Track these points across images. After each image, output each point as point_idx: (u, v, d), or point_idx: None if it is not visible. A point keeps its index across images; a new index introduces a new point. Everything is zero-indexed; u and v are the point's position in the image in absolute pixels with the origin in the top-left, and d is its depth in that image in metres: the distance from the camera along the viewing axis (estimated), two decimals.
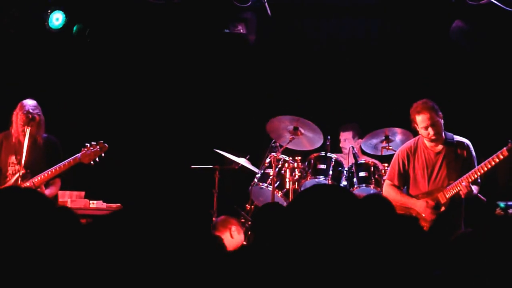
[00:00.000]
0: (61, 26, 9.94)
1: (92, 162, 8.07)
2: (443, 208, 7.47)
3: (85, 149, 8.05)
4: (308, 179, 9.01)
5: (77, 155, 8.04)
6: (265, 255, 4.08)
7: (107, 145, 8.13)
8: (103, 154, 8.14)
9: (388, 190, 7.73)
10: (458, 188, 7.35)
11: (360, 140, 9.49)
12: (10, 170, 8.23)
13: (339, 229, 2.95)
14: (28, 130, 7.99)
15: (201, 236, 2.93)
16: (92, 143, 8.06)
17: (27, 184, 7.93)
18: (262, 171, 9.27)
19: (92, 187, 9.19)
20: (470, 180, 7.32)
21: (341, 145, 9.78)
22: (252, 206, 9.24)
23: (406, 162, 7.72)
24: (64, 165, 8.01)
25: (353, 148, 9.18)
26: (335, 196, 3.05)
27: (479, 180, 7.51)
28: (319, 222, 2.96)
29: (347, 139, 9.66)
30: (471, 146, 7.64)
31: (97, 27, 10.14)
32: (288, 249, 3.01)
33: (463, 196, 7.38)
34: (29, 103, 8.16)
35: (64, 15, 9.92)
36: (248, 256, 4.18)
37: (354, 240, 2.95)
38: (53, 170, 8.02)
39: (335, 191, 3.10)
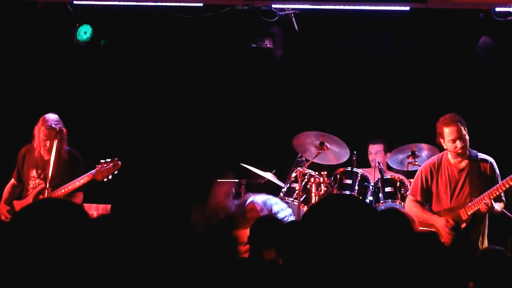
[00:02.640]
0: (88, 39, 10.04)
1: (105, 180, 8.07)
2: (464, 225, 7.41)
3: (100, 166, 8.04)
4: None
5: (91, 171, 8.05)
6: (264, 268, 4.09)
7: (120, 163, 8.11)
8: (116, 172, 8.12)
9: (411, 206, 7.69)
10: (480, 204, 7.30)
11: (388, 154, 9.48)
12: (32, 184, 8.25)
13: (353, 239, 2.95)
14: (55, 144, 8.02)
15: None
16: (107, 160, 8.05)
17: None
18: (288, 186, 9.26)
19: (117, 201, 9.24)
20: (492, 196, 7.26)
21: (371, 158, 9.74)
22: None
23: (429, 178, 7.67)
24: (80, 182, 8.02)
25: (379, 163, 9.16)
26: (349, 206, 3.05)
27: (503, 197, 7.47)
28: (333, 232, 2.95)
29: (378, 152, 9.64)
30: (495, 164, 7.59)
31: (123, 40, 10.20)
32: (302, 260, 3.00)
33: (484, 212, 7.32)
34: (52, 117, 8.18)
35: (91, 29, 10.02)
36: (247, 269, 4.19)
37: (369, 252, 2.95)
38: (70, 187, 8.03)
39: (350, 201, 3.10)
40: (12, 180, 8.46)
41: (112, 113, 10.82)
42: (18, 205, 8.19)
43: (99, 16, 10.16)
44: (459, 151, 7.47)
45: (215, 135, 10.84)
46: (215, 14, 9.92)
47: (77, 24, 10.00)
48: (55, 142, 8.02)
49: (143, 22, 10.32)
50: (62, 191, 8.00)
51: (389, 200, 8.77)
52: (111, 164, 8.06)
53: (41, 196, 8.04)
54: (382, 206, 8.77)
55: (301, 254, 2.95)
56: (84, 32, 10.04)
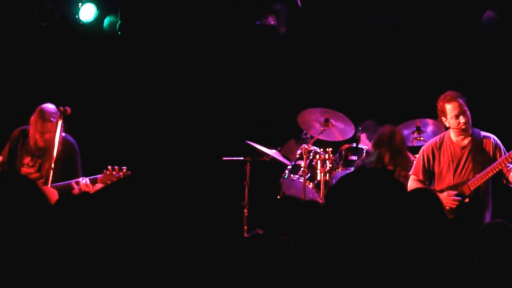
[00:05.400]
0: (92, 19, 10.04)
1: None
2: (467, 200, 7.41)
3: (108, 172, 7.85)
4: (339, 170, 9.03)
5: (97, 176, 7.83)
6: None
7: (130, 173, 7.92)
8: None
9: (413, 185, 7.69)
10: (484, 178, 7.28)
11: None
12: (23, 171, 8.06)
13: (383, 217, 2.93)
14: (56, 139, 7.79)
15: None
16: (115, 167, 7.83)
17: None
18: (293, 163, 9.28)
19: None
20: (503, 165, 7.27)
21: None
22: None
23: (431, 157, 7.66)
24: (82, 185, 7.72)
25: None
26: (380, 182, 3.02)
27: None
28: (362, 211, 2.94)
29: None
30: (498, 141, 7.56)
31: (127, 21, 10.18)
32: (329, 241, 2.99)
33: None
34: (50, 109, 7.94)
35: (96, 8, 10.02)
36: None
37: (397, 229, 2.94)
38: (68, 185, 7.78)
39: (380, 175, 3.06)
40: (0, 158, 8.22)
41: (117, 98, 10.79)
42: None
43: None
44: (463, 126, 7.45)
45: (220, 113, 10.85)
46: None
47: (80, 4, 9.96)
48: (57, 137, 7.82)
49: (147, 2, 10.30)
50: (58, 186, 7.74)
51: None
52: (121, 173, 7.85)
53: None
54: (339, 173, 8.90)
55: (328, 235, 2.94)
56: (88, 12, 10.02)
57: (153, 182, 9.67)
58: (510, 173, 7.31)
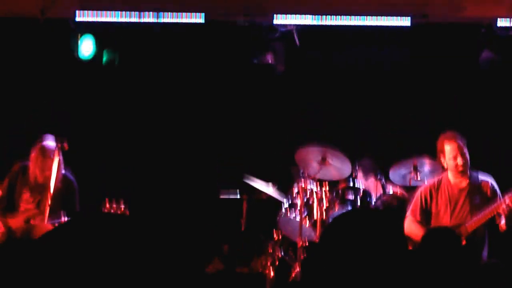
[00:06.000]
0: (91, 56, 10.08)
1: None
2: (464, 242, 7.39)
3: (105, 206, 7.93)
4: (336, 209, 8.99)
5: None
6: None
7: (128, 212, 7.94)
8: None
9: (411, 225, 7.67)
10: (500, 208, 7.25)
11: (373, 177, 9.41)
12: (23, 207, 8.11)
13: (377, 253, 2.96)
14: (53, 175, 7.81)
15: None
16: (114, 201, 7.91)
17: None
18: (290, 201, 9.26)
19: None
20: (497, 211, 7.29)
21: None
22: (280, 236, 9.19)
23: (429, 198, 7.67)
24: None
25: (382, 178, 9.15)
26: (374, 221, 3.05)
27: None
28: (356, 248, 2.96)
29: (359, 178, 9.50)
30: (495, 185, 7.59)
31: (125, 57, 10.23)
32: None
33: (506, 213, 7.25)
34: (49, 144, 8.01)
35: (94, 45, 10.06)
36: None
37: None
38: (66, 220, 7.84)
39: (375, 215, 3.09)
40: None
41: (115, 132, 10.80)
42: (11, 220, 8.04)
43: (101, 32, 10.19)
44: (460, 168, 7.46)
45: (219, 149, 10.84)
46: (217, 31, 9.95)
47: (79, 40, 10.00)
48: (54, 173, 7.83)
49: (145, 38, 10.33)
50: (56, 223, 7.74)
51: None
52: (119, 211, 7.89)
53: (32, 221, 7.92)
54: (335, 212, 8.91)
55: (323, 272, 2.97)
56: (87, 49, 10.05)
57: (148, 220, 9.63)
58: (500, 224, 7.33)
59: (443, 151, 7.56)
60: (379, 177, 9.23)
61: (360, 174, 9.45)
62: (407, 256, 3.31)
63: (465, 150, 7.47)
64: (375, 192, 9.13)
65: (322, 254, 3.13)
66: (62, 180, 8.09)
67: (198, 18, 9.94)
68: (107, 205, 7.94)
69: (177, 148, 10.83)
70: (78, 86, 10.65)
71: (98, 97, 10.76)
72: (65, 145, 7.98)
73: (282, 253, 8.95)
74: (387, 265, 3.05)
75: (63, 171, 8.13)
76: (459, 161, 7.45)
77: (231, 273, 5.77)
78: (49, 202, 7.79)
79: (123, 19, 9.99)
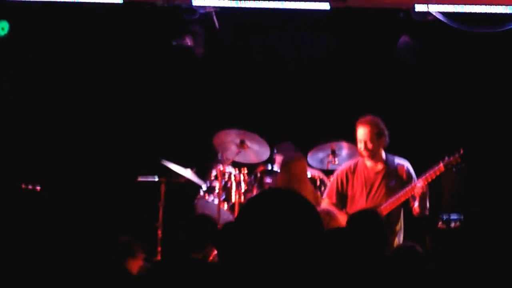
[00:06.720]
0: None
1: None
2: None
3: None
4: (254, 192, 9.01)
5: None
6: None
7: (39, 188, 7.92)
8: None
9: (326, 207, 7.72)
10: (414, 190, 7.34)
11: None
12: None
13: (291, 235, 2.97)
14: None
15: None
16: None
17: None
18: (208, 184, 9.24)
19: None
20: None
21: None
22: None
23: (344, 181, 7.74)
24: None
25: None
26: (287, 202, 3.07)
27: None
28: (270, 228, 2.97)
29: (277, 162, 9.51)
30: (411, 169, 7.69)
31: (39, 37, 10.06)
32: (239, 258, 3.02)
33: (419, 195, 7.34)
34: None
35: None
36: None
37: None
38: None
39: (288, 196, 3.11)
40: None
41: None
42: None
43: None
44: (363, 154, 7.58)
45: (136, 132, 10.73)
46: (135, 12, 9.84)
47: None
48: None
49: (60, 18, 10.15)
50: None
51: None
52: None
53: None
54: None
55: (239, 252, 2.97)
56: (1, 28, 9.83)
57: (64, 201, 9.53)
58: (414, 207, 7.45)
59: (355, 134, 7.66)
60: None
61: (279, 158, 9.46)
62: (322, 237, 3.30)
63: (374, 137, 7.54)
64: None
65: (237, 234, 3.11)
66: None
67: None
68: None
69: (94, 132, 10.69)
70: None
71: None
72: None
73: None
74: (302, 245, 3.05)
75: None
76: (361, 146, 7.56)
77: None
78: None
79: None
